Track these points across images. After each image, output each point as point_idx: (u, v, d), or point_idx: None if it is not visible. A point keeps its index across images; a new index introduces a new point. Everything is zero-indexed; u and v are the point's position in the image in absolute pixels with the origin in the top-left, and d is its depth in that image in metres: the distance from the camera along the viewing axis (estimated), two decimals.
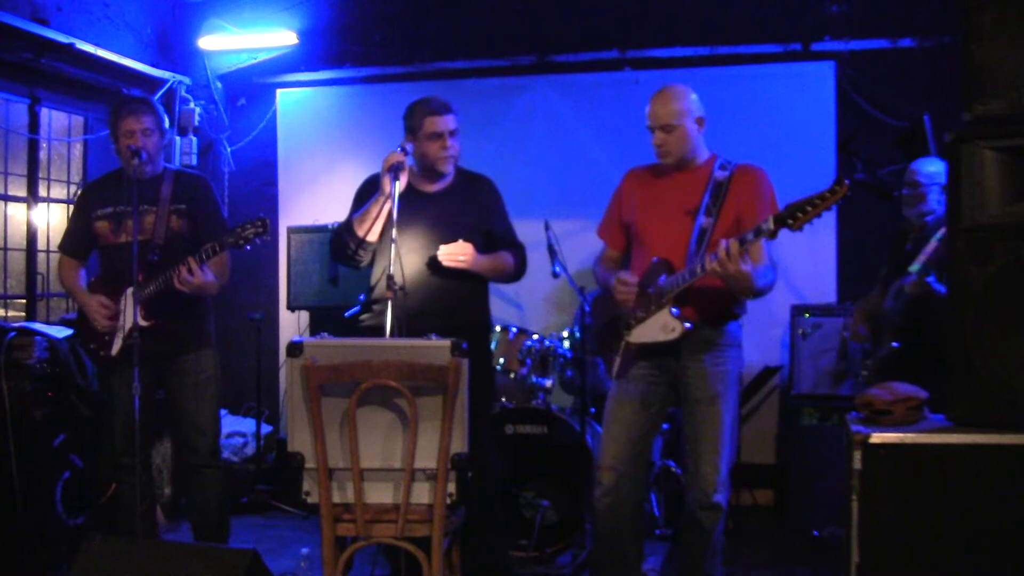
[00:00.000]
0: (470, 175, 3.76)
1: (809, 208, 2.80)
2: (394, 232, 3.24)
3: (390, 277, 3.14)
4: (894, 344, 3.85)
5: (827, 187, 2.79)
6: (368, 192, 3.62)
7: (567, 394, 4.79)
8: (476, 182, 3.75)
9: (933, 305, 3.66)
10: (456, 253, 3.49)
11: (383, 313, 3.16)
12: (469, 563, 3.41)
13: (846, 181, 2.77)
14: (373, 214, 3.48)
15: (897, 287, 3.86)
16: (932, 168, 3.96)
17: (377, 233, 3.54)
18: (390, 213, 3.32)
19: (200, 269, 3.52)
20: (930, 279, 3.65)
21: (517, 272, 3.76)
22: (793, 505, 4.85)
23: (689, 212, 3.23)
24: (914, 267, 3.82)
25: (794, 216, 2.82)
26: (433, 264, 3.54)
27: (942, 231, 3.86)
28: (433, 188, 3.67)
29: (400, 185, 3.35)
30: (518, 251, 3.76)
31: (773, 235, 2.89)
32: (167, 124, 3.88)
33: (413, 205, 3.56)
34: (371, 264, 3.67)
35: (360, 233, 3.54)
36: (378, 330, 3.25)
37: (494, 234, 3.70)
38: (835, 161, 5.29)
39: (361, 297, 4.62)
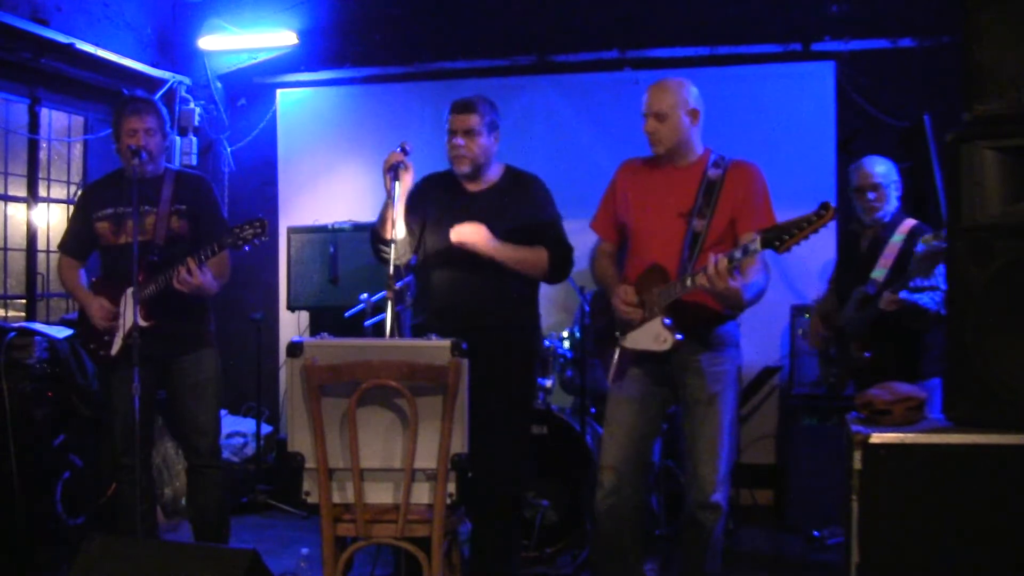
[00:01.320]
0: (518, 175, 3.67)
1: (796, 231, 2.79)
2: (393, 232, 3.24)
3: (389, 276, 3.14)
4: (866, 354, 3.83)
5: (813, 211, 2.77)
6: (413, 195, 3.59)
7: (567, 394, 4.79)
8: (521, 182, 3.65)
9: (906, 316, 3.65)
10: (467, 233, 3.38)
11: (428, 311, 3.15)
12: (482, 572, 3.42)
13: (832, 205, 2.76)
14: (386, 216, 3.46)
15: (860, 294, 3.83)
16: (883, 167, 3.94)
17: (400, 231, 3.49)
18: (406, 209, 3.32)
19: (199, 269, 3.52)
20: (903, 293, 3.59)
21: (552, 270, 3.54)
22: (793, 505, 4.85)
23: (682, 214, 3.21)
24: (877, 272, 3.79)
25: (780, 239, 2.80)
26: (464, 262, 3.45)
27: (905, 225, 3.85)
28: (476, 187, 3.60)
29: (401, 185, 3.34)
30: (559, 249, 3.57)
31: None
32: (170, 125, 3.88)
33: (456, 204, 3.52)
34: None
35: (383, 234, 3.50)
36: (421, 329, 3.23)
37: (532, 229, 3.54)
38: (835, 161, 5.29)
39: (361, 297, 4.64)
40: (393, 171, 3.33)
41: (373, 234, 3.61)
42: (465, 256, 3.43)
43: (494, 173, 3.62)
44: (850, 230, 4.11)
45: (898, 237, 3.80)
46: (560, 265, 3.57)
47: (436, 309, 3.52)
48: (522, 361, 3.60)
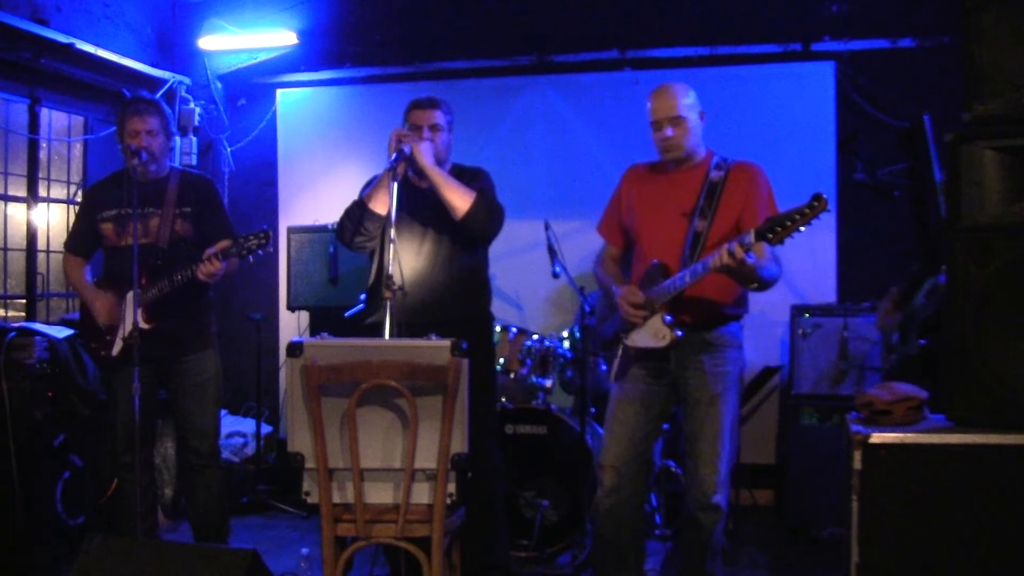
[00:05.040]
0: (465, 169, 3.72)
1: (788, 223, 2.81)
2: (392, 232, 3.24)
3: (388, 277, 3.14)
4: (921, 342, 3.81)
5: (805, 203, 2.79)
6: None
7: (567, 394, 4.79)
8: (469, 175, 3.69)
9: None
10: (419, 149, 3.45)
11: (382, 310, 3.16)
12: (469, 563, 3.41)
13: (824, 197, 2.77)
14: (383, 183, 3.49)
15: (931, 284, 3.81)
16: None
17: (383, 205, 3.49)
18: (389, 212, 3.32)
19: (218, 258, 3.59)
20: None
21: (476, 209, 3.48)
22: (793, 505, 4.85)
23: (685, 214, 3.23)
24: None
25: (773, 231, 2.83)
26: (427, 259, 3.56)
27: None
28: (427, 183, 3.63)
29: (399, 173, 3.36)
30: (486, 196, 3.56)
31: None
32: (174, 127, 3.88)
33: (408, 201, 3.55)
34: (370, 259, 3.68)
35: (372, 206, 3.52)
36: (378, 327, 3.24)
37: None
38: (835, 161, 5.29)
39: (361, 297, 4.64)
40: (397, 155, 3.36)
41: (356, 200, 3.60)
42: (420, 251, 3.56)
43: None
44: (941, 226, 4.07)
45: None
46: (487, 207, 3.53)
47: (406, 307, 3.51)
48: (485, 351, 3.68)
